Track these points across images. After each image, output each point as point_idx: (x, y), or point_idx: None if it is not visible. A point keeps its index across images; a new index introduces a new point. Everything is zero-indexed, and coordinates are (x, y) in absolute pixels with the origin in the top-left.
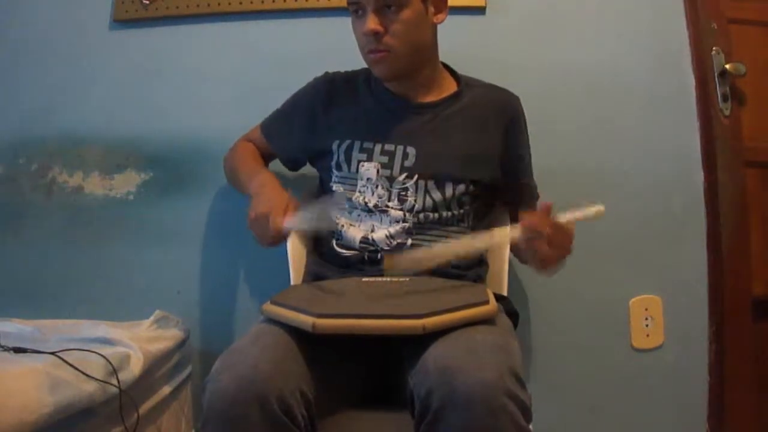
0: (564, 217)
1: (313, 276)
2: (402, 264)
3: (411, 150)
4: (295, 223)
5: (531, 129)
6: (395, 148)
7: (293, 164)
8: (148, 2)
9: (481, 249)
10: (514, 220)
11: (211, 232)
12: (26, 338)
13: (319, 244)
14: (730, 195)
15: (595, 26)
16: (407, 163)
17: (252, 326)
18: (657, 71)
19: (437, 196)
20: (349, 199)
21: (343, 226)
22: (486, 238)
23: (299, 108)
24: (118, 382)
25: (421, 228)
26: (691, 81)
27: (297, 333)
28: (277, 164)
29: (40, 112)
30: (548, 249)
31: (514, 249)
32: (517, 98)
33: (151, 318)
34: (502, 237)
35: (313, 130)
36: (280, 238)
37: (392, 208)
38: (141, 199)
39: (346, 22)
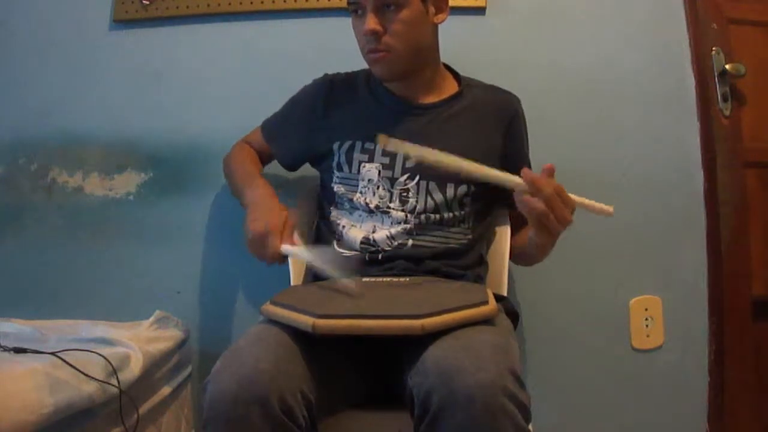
0: (573, 197)
1: (313, 276)
2: (397, 146)
3: None
4: (294, 252)
5: (531, 129)
6: None
7: (292, 165)
8: (148, 2)
9: (479, 177)
10: (513, 221)
11: (211, 232)
12: (26, 338)
13: (320, 245)
14: (730, 195)
15: (595, 26)
16: (408, 164)
17: (252, 327)
18: (657, 71)
19: (438, 197)
20: (350, 200)
21: (344, 227)
22: (488, 172)
23: (299, 110)
24: (118, 382)
25: (423, 229)
26: (691, 81)
27: (297, 333)
28: (277, 165)
29: (40, 112)
30: (545, 208)
31: (513, 253)
32: (517, 99)
33: (151, 318)
34: (504, 178)
35: (313, 132)
36: (279, 259)
37: (393, 209)
38: (141, 199)
39: (346, 22)
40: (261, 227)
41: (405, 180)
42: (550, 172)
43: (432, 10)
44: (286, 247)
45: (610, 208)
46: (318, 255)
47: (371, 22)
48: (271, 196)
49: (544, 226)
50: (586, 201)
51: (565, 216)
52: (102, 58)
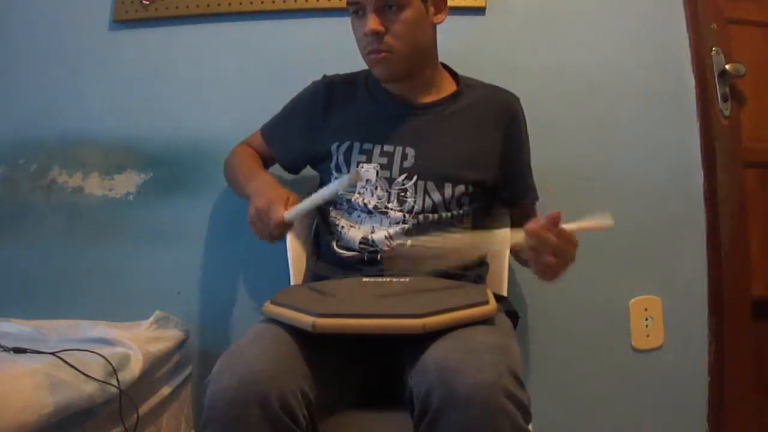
0: (569, 226)
1: (312, 277)
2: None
3: (410, 151)
4: (297, 210)
5: (531, 129)
6: (394, 149)
7: (293, 168)
8: (148, 2)
9: (481, 250)
10: (513, 220)
11: (211, 232)
12: (26, 338)
13: (319, 246)
14: (729, 195)
15: (595, 26)
16: (406, 164)
17: (252, 326)
18: (657, 71)
19: (437, 197)
20: (349, 200)
21: (343, 227)
22: (487, 240)
23: (298, 112)
24: (118, 382)
25: (421, 229)
26: (691, 81)
27: (297, 333)
28: (277, 166)
29: (40, 112)
30: (553, 259)
31: (515, 252)
32: (516, 98)
33: (151, 318)
34: (504, 240)
35: (312, 134)
36: (282, 230)
37: (392, 209)
38: (141, 199)
39: (346, 23)
40: (263, 202)
41: (403, 180)
42: (555, 221)
43: (432, 10)
44: (288, 213)
45: (610, 222)
46: (317, 194)
47: (373, 23)
48: (274, 182)
49: (552, 272)
50: (585, 224)
51: (570, 258)
52: (102, 58)
